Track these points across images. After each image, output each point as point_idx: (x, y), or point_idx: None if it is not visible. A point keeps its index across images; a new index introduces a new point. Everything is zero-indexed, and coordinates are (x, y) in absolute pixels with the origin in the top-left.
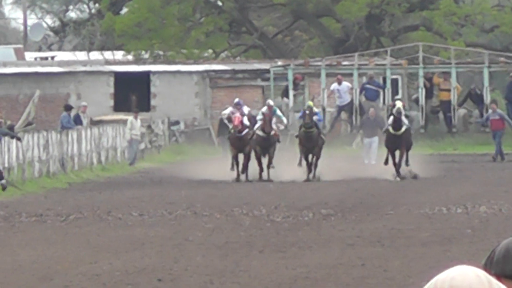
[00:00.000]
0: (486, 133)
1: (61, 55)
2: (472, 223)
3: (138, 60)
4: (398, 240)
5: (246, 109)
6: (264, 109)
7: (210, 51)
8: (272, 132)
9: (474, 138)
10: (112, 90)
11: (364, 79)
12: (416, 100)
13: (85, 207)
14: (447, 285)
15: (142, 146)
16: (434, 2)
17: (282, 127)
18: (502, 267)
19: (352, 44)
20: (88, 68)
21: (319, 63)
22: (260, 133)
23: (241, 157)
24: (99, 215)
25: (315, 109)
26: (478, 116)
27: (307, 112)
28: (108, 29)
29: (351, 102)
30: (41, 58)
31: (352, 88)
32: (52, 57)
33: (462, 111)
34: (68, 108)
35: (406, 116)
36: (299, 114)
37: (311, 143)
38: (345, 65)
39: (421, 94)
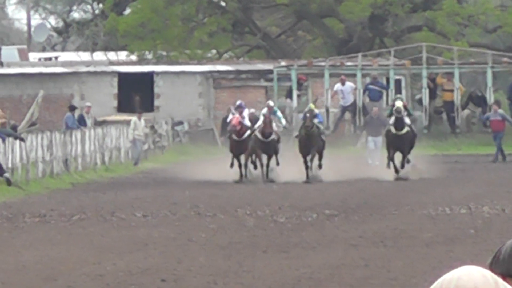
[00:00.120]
0: (489, 133)
1: (64, 56)
2: (475, 224)
3: (141, 61)
4: (401, 240)
5: (246, 113)
6: (264, 110)
7: (214, 51)
8: (273, 136)
9: (477, 139)
10: (115, 90)
11: (368, 80)
12: (420, 101)
13: (89, 207)
14: (453, 284)
15: (146, 146)
16: (437, 3)
17: (280, 128)
18: (507, 266)
19: (355, 45)
20: (91, 69)
21: (322, 64)
22: (259, 136)
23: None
24: (103, 215)
25: (316, 111)
26: (481, 114)
27: (308, 115)
28: (112, 29)
29: (355, 103)
30: (45, 59)
31: (355, 89)
32: (56, 58)
33: (465, 112)
34: (72, 108)
35: (409, 115)
36: (302, 116)
37: (309, 144)
38: (348, 66)
39: (425, 94)
